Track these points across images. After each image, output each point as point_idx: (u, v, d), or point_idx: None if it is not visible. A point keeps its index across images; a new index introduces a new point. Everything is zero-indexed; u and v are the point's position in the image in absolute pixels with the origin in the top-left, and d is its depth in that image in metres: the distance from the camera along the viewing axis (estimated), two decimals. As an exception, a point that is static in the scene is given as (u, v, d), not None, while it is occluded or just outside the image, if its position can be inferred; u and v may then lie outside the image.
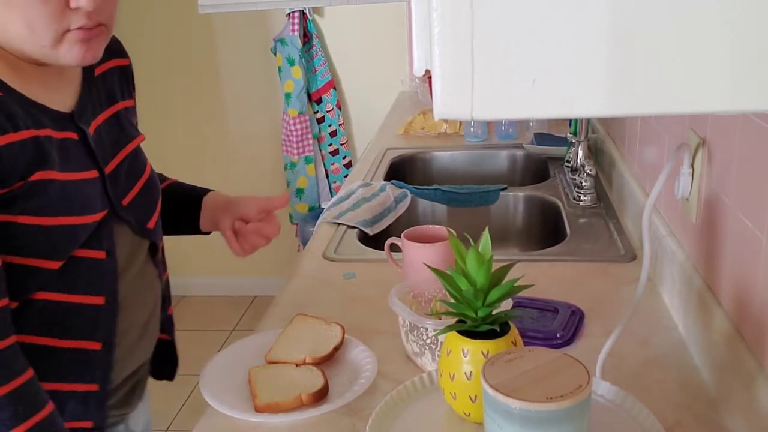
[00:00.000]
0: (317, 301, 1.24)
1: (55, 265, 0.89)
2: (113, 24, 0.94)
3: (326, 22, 3.18)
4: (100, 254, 0.94)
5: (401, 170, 2.12)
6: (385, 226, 1.63)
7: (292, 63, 3.11)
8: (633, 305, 0.87)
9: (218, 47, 3.26)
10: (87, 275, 0.93)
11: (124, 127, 1.05)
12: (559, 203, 1.66)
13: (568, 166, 1.80)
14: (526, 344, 0.92)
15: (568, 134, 1.79)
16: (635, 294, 0.88)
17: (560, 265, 1.33)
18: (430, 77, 0.46)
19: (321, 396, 0.93)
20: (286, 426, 0.90)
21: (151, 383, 1.15)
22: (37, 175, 0.86)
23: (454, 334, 0.82)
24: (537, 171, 2.06)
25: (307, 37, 3.15)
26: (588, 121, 1.73)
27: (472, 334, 0.81)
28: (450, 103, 0.45)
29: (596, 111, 0.44)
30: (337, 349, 1.02)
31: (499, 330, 0.81)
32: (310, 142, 3.21)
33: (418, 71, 0.50)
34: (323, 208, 1.96)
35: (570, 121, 1.82)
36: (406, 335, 1.00)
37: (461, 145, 2.20)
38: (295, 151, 3.22)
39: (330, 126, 3.27)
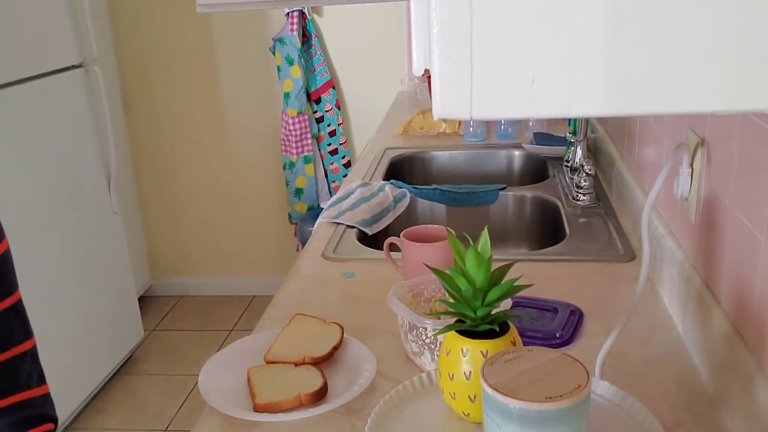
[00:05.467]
0: (316, 301, 1.23)
1: None
2: None
3: (325, 22, 3.19)
4: None
5: (400, 170, 2.12)
6: (384, 226, 1.63)
7: (291, 62, 3.11)
8: (632, 305, 0.87)
9: (217, 47, 3.26)
10: None
11: None
12: (559, 203, 1.66)
13: (567, 166, 1.80)
14: (525, 344, 0.92)
15: (568, 134, 1.79)
16: (634, 294, 0.88)
17: (559, 265, 1.33)
18: (429, 77, 0.46)
19: (320, 396, 0.93)
20: (285, 426, 0.90)
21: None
22: None
23: (453, 333, 0.82)
24: (536, 171, 2.06)
25: (306, 36, 3.15)
26: (587, 120, 1.73)
27: (471, 333, 0.81)
28: (449, 103, 0.45)
29: (595, 111, 0.44)
30: (336, 348, 1.02)
31: (498, 330, 0.81)
32: (309, 141, 3.21)
33: (417, 71, 0.50)
34: (322, 208, 1.96)
35: (569, 120, 1.82)
36: (405, 335, 1.00)
37: (460, 145, 2.20)
38: (294, 151, 3.22)
39: (329, 126, 3.27)
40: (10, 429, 0.81)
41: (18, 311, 0.83)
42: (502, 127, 2.23)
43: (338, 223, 1.58)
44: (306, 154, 3.23)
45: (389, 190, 1.76)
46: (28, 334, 0.84)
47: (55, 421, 0.87)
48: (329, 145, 3.30)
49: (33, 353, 0.84)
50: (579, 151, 1.69)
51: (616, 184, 1.60)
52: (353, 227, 1.56)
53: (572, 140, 1.74)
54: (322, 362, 1.00)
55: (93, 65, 2.74)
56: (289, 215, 3.37)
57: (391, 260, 1.27)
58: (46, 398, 0.86)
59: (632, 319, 1.09)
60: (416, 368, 1.00)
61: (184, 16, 3.22)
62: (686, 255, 1.07)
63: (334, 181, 3.34)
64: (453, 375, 0.81)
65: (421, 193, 1.80)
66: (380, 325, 1.12)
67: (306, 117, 3.18)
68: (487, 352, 0.79)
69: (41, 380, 0.86)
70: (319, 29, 3.19)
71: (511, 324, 0.84)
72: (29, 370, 0.84)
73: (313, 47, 3.16)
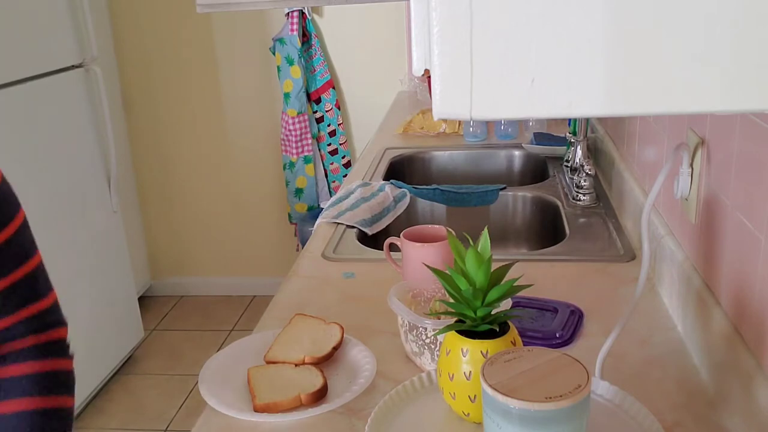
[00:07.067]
0: (316, 301, 1.24)
1: None
2: None
3: (325, 22, 3.19)
4: None
5: (400, 170, 2.12)
6: (384, 226, 1.63)
7: (291, 62, 3.11)
8: (632, 305, 0.87)
9: (217, 47, 3.26)
10: None
11: None
12: (559, 203, 1.66)
13: (567, 166, 1.80)
14: (525, 344, 0.92)
15: (568, 134, 1.79)
16: (634, 294, 0.88)
17: (559, 265, 1.33)
18: (429, 77, 0.46)
19: (320, 396, 0.93)
20: (285, 426, 0.90)
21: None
22: None
23: (453, 333, 0.82)
24: (536, 171, 2.06)
25: (306, 36, 3.15)
26: (587, 120, 1.73)
27: (471, 333, 0.81)
28: (449, 103, 0.45)
29: (595, 111, 0.44)
30: (336, 348, 1.02)
31: (498, 330, 0.81)
32: (309, 141, 3.21)
33: (417, 71, 0.50)
34: (322, 208, 1.96)
35: (569, 120, 1.82)
36: (405, 335, 1.00)
37: (460, 145, 2.20)
38: (294, 151, 3.22)
39: (329, 126, 3.27)
40: (32, 333, 0.91)
41: (26, 226, 0.91)
42: (502, 127, 2.23)
43: (338, 223, 1.58)
44: (306, 154, 3.23)
45: (389, 190, 1.76)
46: (35, 245, 0.92)
47: (66, 324, 0.97)
48: (329, 145, 3.30)
49: (41, 263, 0.93)
50: (579, 151, 1.69)
51: (616, 184, 1.60)
52: (353, 227, 1.56)
53: (572, 140, 1.74)
54: (322, 362, 1.00)
55: (93, 65, 2.73)
56: (289, 215, 3.37)
57: (391, 260, 1.27)
58: (57, 304, 0.95)
59: (632, 319, 1.09)
60: (416, 368, 1.00)
61: (184, 16, 3.22)
62: (686, 255, 1.07)
63: (334, 181, 3.34)
64: (453, 375, 0.81)
65: (421, 193, 1.80)
66: (380, 325, 1.12)
67: (306, 117, 3.18)
68: (487, 352, 0.79)
69: (50, 287, 0.95)
70: (319, 29, 3.19)
71: (511, 324, 0.84)
72: (43, 279, 0.93)
73: (313, 47, 3.16)
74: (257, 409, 0.91)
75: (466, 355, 0.80)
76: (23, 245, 0.90)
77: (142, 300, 3.39)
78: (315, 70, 3.19)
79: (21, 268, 0.89)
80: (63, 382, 0.93)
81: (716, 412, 0.88)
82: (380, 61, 3.21)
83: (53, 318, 0.94)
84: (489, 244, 0.84)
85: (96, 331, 2.73)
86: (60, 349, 0.94)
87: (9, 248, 0.87)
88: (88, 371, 2.69)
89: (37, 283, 0.92)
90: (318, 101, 3.23)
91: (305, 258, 1.42)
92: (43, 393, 0.89)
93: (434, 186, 1.82)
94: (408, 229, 1.25)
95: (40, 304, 0.92)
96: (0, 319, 0.89)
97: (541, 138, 2.09)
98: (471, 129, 2.25)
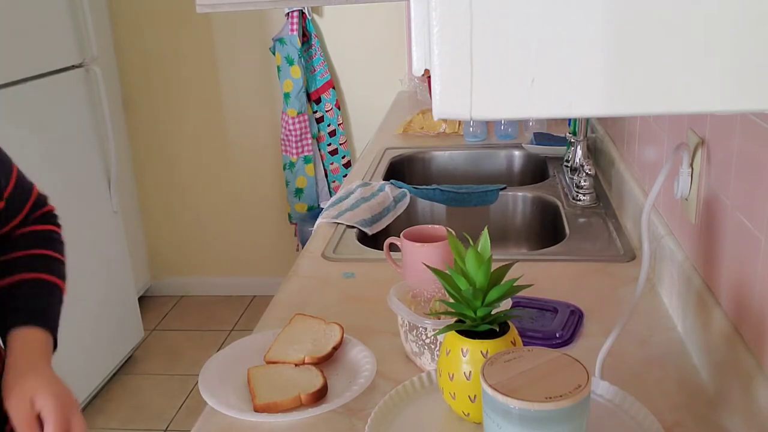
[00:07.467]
0: (316, 301, 1.24)
1: None
2: None
3: (325, 22, 3.19)
4: None
5: (400, 170, 2.12)
6: (384, 226, 1.63)
7: (291, 62, 3.11)
8: (632, 305, 0.87)
9: (217, 47, 3.26)
10: None
11: None
12: (559, 203, 1.66)
13: (567, 166, 1.80)
14: (525, 344, 0.92)
15: (568, 134, 1.79)
16: (634, 294, 0.88)
17: (559, 265, 1.33)
18: (429, 77, 0.46)
19: (320, 396, 0.93)
20: (285, 426, 0.90)
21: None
22: None
23: (453, 333, 0.82)
24: (536, 171, 2.06)
25: (306, 36, 3.15)
26: (587, 120, 1.73)
27: (471, 333, 0.81)
28: (449, 103, 0.45)
29: (595, 110, 0.44)
30: (336, 348, 1.02)
31: (498, 330, 0.81)
32: (309, 141, 3.21)
33: (417, 71, 0.50)
34: (322, 208, 1.96)
35: (569, 120, 1.82)
36: (405, 335, 1.00)
37: (460, 145, 2.20)
38: (294, 151, 3.22)
39: (329, 126, 3.27)
40: (33, 213, 1.15)
41: None
42: (502, 127, 2.23)
43: (338, 223, 1.58)
44: (306, 154, 3.23)
45: (389, 189, 1.76)
46: (9, 159, 1.11)
47: (48, 201, 1.21)
48: (329, 145, 3.30)
49: (17, 167, 1.13)
50: (579, 151, 1.69)
51: (616, 184, 1.60)
52: (353, 227, 1.56)
53: (572, 140, 1.74)
54: (322, 362, 1.00)
55: (93, 65, 2.73)
56: (289, 215, 3.37)
57: (391, 260, 1.27)
58: (39, 190, 1.18)
59: (632, 319, 1.09)
60: (416, 368, 1.00)
61: (184, 16, 3.22)
62: (686, 255, 1.07)
63: (334, 181, 3.34)
64: (453, 375, 0.81)
65: (421, 193, 1.80)
66: (380, 325, 1.12)
67: (306, 117, 3.18)
68: (487, 352, 0.79)
69: (31, 181, 1.17)
70: (319, 29, 3.19)
71: (511, 324, 0.84)
72: (24, 178, 1.14)
73: (313, 47, 3.16)
74: (257, 409, 0.91)
75: (466, 355, 0.80)
76: (4, 159, 1.10)
77: (142, 300, 3.39)
78: (315, 70, 3.19)
79: (12, 175, 1.10)
80: (57, 240, 1.18)
81: (716, 412, 0.88)
82: (380, 61, 3.21)
83: (42, 200, 1.19)
84: (489, 244, 0.84)
85: (96, 331, 2.72)
86: (52, 218, 1.20)
87: None
88: (88, 371, 2.69)
89: (25, 182, 1.14)
90: (318, 101, 3.23)
91: (305, 258, 1.42)
92: (46, 247, 1.14)
93: (434, 186, 1.82)
94: (408, 229, 1.25)
95: (32, 196, 1.15)
96: (14, 219, 1.12)
97: (541, 138, 2.09)
98: (471, 129, 2.25)
